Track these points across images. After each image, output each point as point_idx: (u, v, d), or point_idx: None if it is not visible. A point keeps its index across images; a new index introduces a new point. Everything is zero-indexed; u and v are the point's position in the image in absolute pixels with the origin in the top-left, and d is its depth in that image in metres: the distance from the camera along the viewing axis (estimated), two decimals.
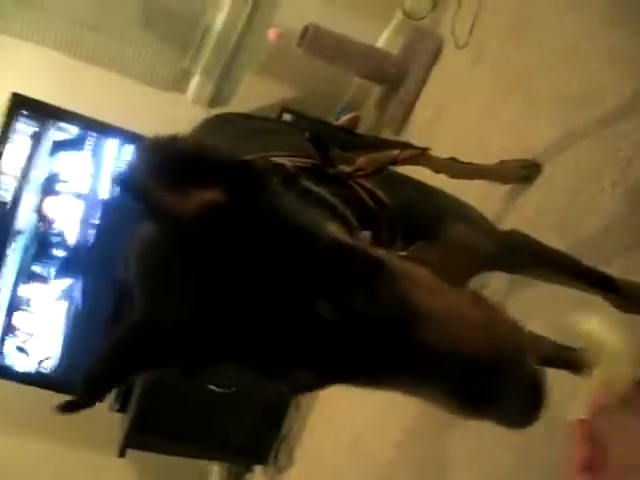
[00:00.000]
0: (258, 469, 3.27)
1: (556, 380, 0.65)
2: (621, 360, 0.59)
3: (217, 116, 1.61)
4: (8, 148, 2.90)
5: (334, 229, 0.68)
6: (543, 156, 1.86)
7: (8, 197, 2.92)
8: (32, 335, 3.07)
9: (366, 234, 0.79)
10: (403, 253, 0.86)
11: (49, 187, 2.99)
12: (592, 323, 0.60)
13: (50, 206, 3.00)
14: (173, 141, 0.62)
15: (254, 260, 0.59)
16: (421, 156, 1.59)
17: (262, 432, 3.07)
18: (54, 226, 3.00)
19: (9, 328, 3.01)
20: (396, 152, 1.01)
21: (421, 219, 0.97)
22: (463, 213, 1.08)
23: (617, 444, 0.52)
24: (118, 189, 0.59)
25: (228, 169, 0.62)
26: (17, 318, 3.02)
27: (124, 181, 0.59)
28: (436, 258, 0.94)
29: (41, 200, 2.97)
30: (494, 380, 0.57)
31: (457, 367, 0.57)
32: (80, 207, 3.03)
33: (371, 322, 0.59)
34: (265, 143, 1.10)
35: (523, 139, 1.98)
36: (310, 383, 0.63)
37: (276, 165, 0.87)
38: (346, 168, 0.94)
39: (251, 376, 0.63)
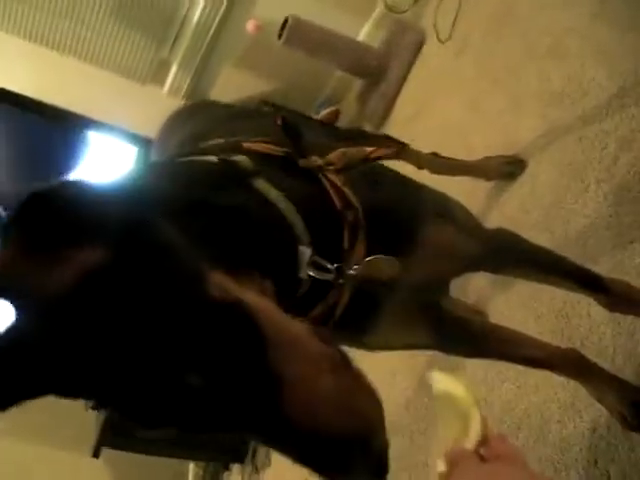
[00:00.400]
0: (235, 468, 3.25)
1: None
2: (470, 416, 0.62)
3: (199, 102, 1.59)
4: None
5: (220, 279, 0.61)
6: (527, 152, 1.82)
7: None
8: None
9: (306, 250, 0.75)
10: (357, 266, 0.81)
11: None
12: (444, 382, 0.63)
13: None
14: (54, 197, 0.56)
15: (130, 321, 0.55)
16: (400, 152, 1.55)
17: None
18: None
19: None
20: (369, 150, 0.95)
21: (400, 219, 0.92)
22: (447, 212, 1.03)
23: None
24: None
25: (117, 225, 0.57)
26: None
27: None
28: (416, 260, 0.90)
29: None
30: (347, 455, 0.57)
31: (311, 442, 0.56)
32: None
33: (236, 390, 0.56)
34: (239, 128, 1.06)
35: (507, 134, 1.95)
36: (170, 435, 0.61)
37: (230, 162, 0.81)
38: (318, 160, 0.89)
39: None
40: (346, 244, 0.82)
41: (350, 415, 0.58)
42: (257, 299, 0.62)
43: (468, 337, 1.12)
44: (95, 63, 3.26)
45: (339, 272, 0.79)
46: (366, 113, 2.90)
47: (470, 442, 0.61)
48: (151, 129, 1.69)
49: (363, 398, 0.60)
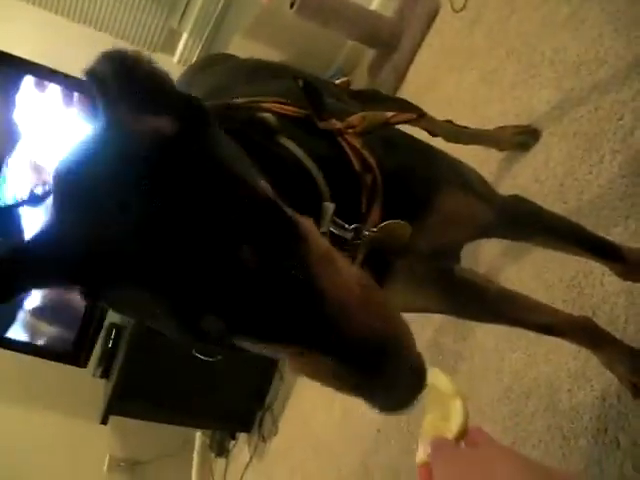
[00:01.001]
0: (242, 437, 3.27)
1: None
2: (452, 407, 0.64)
3: (217, 54, 1.58)
4: None
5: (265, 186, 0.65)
6: (542, 122, 1.81)
7: None
8: None
9: (330, 207, 0.76)
10: (373, 229, 0.81)
11: None
12: (429, 375, 0.64)
13: None
14: (138, 60, 0.61)
15: (187, 195, 0.58)
16: (421, 118, 1.54)
17: (246, 401, 3.07)
18: None
19: None
20: (390, 114, 0.95)
21: (415, 186, 0.92)
22: (462, 179, 1.02)
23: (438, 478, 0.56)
24: (86, 80, 0.59)
25: (182, 103, 0.63)
26: None
27: (94, 75, 0.60)
28: (430, 225, 0.90)
29: None
30: (384, 358, 0.59)
31: (352, 343, 0.59)
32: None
33: (286, 282, 0.59)
34: (258, 85, 1.06)
35: (521, 105, 1.93)
36: (217, 334, 0.61)
37: (257, 119, 0.83)
38: (337, 123, 0.89)
39: (162, 315, 0.60)
40: (363, 206, 0.82)
41: (384, 321, 0.61)
42: (302, 218, 0.65)
43: (481, 301, 1.12)
44: (105, 30, 3.24)
45: (356, 232, 0.79)
46: (378, 83, 2.88)
47: (451, 432, 0.62)
48: None
49: (397, 315, 0.64)
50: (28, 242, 0.61)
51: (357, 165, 0.84)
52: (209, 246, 0.57)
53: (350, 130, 0.88)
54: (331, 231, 0.76)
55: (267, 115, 0.84)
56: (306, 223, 0.65)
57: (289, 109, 0.89)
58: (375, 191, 0.84)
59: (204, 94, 1.14)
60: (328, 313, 0.59)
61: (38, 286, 0.63)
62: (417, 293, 1.00)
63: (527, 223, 1.14)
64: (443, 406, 0.65)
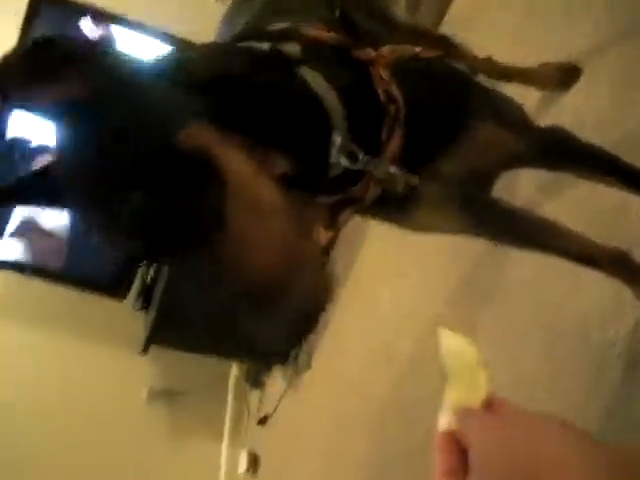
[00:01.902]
0: (277, 370, 3.35)
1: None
2: (477, 374, 0.63)
3: None
4: None
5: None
6: (583, 60, 1.78)
7: None
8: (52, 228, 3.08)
9: (337, 138, 0.80)
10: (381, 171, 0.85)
11: None
12: (454, 340, 0.63)
13: None
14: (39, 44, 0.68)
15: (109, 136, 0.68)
16: (450, 53, 1.54)
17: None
18: None
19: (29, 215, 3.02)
20: (419, 49, 0.96)
21: (444, 115, 0.94)
22: (496, 108, 1.04)
23: (476, 446, 0.55)
24: None
25: (81, 58, 0.70)
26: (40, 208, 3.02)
27: None
28: (457, 154, 0.92)
29: None
30: (271, 298, 0.66)
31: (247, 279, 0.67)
32: None
33: (178, 211, 0.68)
34: (297, 13, 1.08)
35: (563, 41, 1.90)
36: (142, 253, 0.75)
37: (277, 52, 0.86)
38: (371, 53, 0.91)
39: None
40: (384, 136, 0.86)
41: (285, 265, 0.67)
42: (235, 160, 0.70)
43: (515, 227, 1.14)
44: None
45: (368, 163, 0.83)
46: (417, 19, 2.83)
47: (476, 401, 0.61)
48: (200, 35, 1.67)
49: (304, 248, 0.70)
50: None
51: (382, 95, 0.87)
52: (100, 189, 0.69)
53: (381, 61, 0.91)
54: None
55: (290, 47, 0.87)
56: (235, 165, 0.70)
57: (326, 36, 0.91)
58: (397, 121, 0.87)
59: (247, 23, 1.16)
60: (225, 247, 0.67)
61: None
62: (447, 215, 1.03)
63: (564, 153, 1.15)
64: (467, 376, 0.63)
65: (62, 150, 0.72)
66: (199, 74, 0.76)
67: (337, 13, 0.96)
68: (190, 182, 0.67)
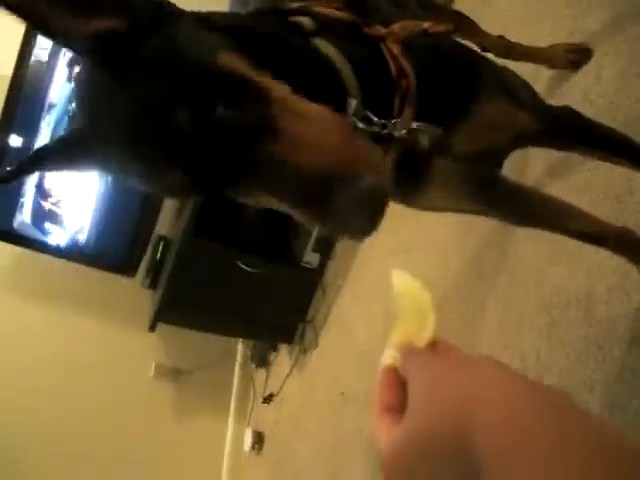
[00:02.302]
0: (283, 349, 3.38)
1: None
2: (427, 316, 0.64)
3: None
4: None
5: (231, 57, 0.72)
6: (594, 41, 1.78)
7: (43, 70, 2.90)
8: (62, 206, 3.10)
9: (353, 102, 0.81)
10: (403, 130, 0.85)
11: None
12: (406, 281, 0.66)
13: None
14: None
15: (132, 82, 0.67)
16: (465, 26, 1.54)
17: (289, 313, 3.14)
18: None
19: (41, 192, 3.04)
20: (428, 24, 0.97)
21: (454, 90, 0.95)
22: (507, 87, 1.04)
23: (414, 383, 0.55)
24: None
25: (130, 2, 0.69)
26: (49, 181, 3.05)
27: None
28: (468, 129, 0.93)
29: (72, 71, 2.94)
30: (333, 189, 0.65)
31: (302, 178, 0.66)
32: None
33: (227, 131, 0.68)
34: None
35: (574, 24, 1.90)
36: (185, 185, 0.72)
37: (291, 22, 0.88)
38: (381, 30, 0.93)
39: (141, 175, 0.72)
40: (395, 109, 0.87)
41: (343, 158, 0.67)
42: (273, 83, 0.72)
43: (523, 205, 1.15)
44: None
45: (383, 127, 0.83)
46: None
47: (422, 342, 0.63)
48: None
49: (360, 148, 0.69)
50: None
51: (394, 70, 0.88)
52: (147, 116, 0.67)
53: (391, 37, 0.92)
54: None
55: (303, 19, 0.89)
56: (275, 85, 0.71)
57: (338, 13, 0.93)
58: (408, 95, 0.88)
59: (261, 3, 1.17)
60: (276, 151, 0.67)
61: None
62: (456, 193, 1.04)
63: (575, 132, 1.15)
64: (416, 316, 0.65)
65: (96, 92, 0.70)
66: (226, 23, 0.78)
67: None
68: (231, 101, 0.68)
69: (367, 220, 0.67)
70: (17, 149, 2.88)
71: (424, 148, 0.87)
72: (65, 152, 0.75)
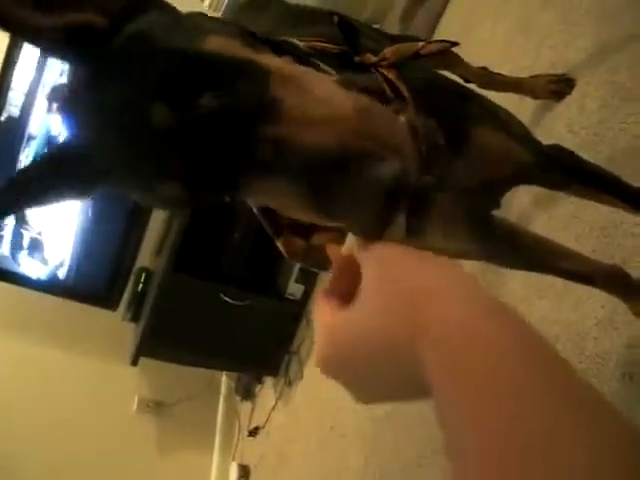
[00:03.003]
0: (268, 381, 3.34)
1: None
2: None
3: (246, 3, 1.58)
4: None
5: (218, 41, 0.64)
6: (577, 71, 1.78)
7: (19, 104, 2.88)
8: (42, 239, 3.07)
9: None
10: None
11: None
12: None
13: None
14: None
15: (128, 70, 0.60)
16: (449, 56, 1.53)
17: (273, 345, 3.12)
18: None
19: (21, 219, 3.01)
20: (421, 44, 0.95)
21: (450, 118, 0.92)
22: (498, 119, 1.03)
23: (369, 274, 0.54)
24: None
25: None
26: (29, 211, 3.01)
27: None
28: (463, 162, 0.91)
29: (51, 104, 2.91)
30: (345, 178, 0.59)
31: (312, 162, 0.59)
32: None
33: (217, 121, 0.59)
34: (299, 29, 1.07)
35: (557, 54, 1.90)
36: (181, 196, 0.63)
37: (288, 43, 0.85)
38: (372, 57, 0.90)
39: (137, 188, 0.65)
40: None
41: (360, 137, 0.60)
42: (271, 56, 0.65)
43: (516, 247, 1.12)
44: None
45: None
46: (411, 30, 2.84)
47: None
48: None
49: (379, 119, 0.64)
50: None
51: (390, 93, 0.84)
52: (125, 118, 0.59)
53: (384, 62, 0.89)
54: None
55: (296, 41, 0.86)
56: (277, 62, 0.65)
57: (327, 46, 0.90)
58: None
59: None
60: (278, 135, 0.59)
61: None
62: (452, 232, 1.01)
63: (567, 170, 1.14)
64: None
65: (73, 96, 0.63)
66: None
67: (335, 20, 0.94)
68: (220, 87, 0.60)
69: (382, 215, 0.63)
70: None
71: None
72: (53, 171, 0.66)
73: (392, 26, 3.12)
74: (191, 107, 0.58)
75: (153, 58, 0.60)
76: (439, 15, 2.74)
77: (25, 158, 2.92)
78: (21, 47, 2.81)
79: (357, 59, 0.88)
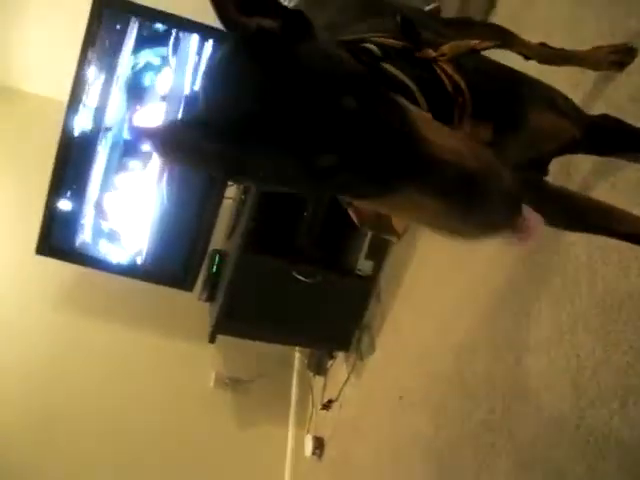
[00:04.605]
0: (340, 356, 3.42)
1: None
2: None
3: None
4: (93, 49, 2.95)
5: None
6: (638, 40, 1.79)
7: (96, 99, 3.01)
8: (121, 225, 3.20)
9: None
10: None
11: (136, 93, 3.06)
12: None
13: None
14: None
15: (298, 71, 0.74)
16: (506, 42, 1.58)
17: (345, 321, 3.19)
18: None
19: (100, 211, 3.16)
20: (475, 42, 1.04)
21: (503, 105, 1.01)
22: (548, 99, 1.10)
23: None
24: None
25: (286, 11, 0.78)
26: (107, 202, 3.16)
27: None
28: (516, 140, 0.99)
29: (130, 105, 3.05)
30: (480, 185, 0.72)
31: (451, 175, 0.72)
32: (163, 108, 3.09)
33: (383, 125, 0.74)
34: (366, 23, 1.16)
35: (617, 24, 1.91)
36: (331, 170, 0.75)
37: (363, 49, 0.95)
38: (432, 52, 1.00)
39: (289, 163, 0.75)
40: (456, 122, 0.94)
41: (482, 162, 0.75)
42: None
43: (570, 210, 1.19)
44: None
45: None
46: (469, 8, 2.86)
47: None
48: None
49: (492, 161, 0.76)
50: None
51: (449, 87, 0.95)
52: (317, 100, 0.73)
53: (443, 57, 0.99)
54: None
55: (371, 46, 0.97)
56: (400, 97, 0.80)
57: (391, 42, 1.00)
58: (465, 109, 0.95)
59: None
60: (425, 151, 0.74)
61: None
62: None
63: (616, 139, 1.19)
64: None
65: (241, 79, 0.76)
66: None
67: (398, 19, 1.04)
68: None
69: (508, 212, 0.75)
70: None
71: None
72: (201, 131, 0.77)
73: (451, 2, 3.13)
74: (371, 106, 0.74)
75: (336, 66, 0.77)
76: None
77: (102, 149, 3.06)
78: (95, 42, 2.94)
79: (419, 54, 0.97)
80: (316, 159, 0.74)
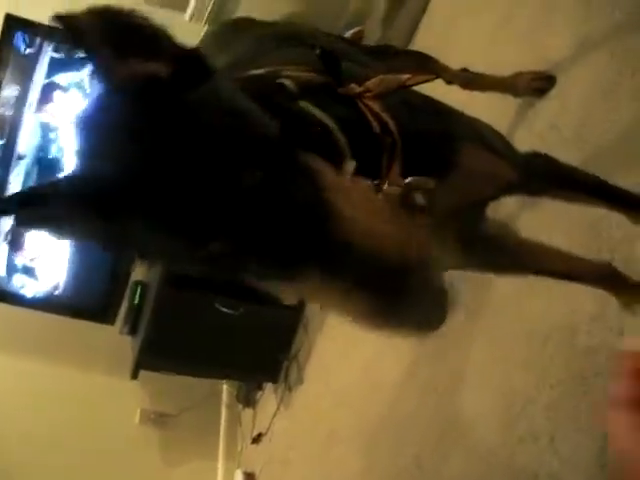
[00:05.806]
0: (268, 387, 3.36)
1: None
2: None
3: (241, 19, 1.58)
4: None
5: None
6: (558, 68, 1.80)
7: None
8: (37, 258, 3.08)
9: (351, 164, 0.79)
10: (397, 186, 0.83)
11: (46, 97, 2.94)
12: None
13: (51, 112, 2.96)
14: (126, 12, 0.65)
15: (189, 132, 0.62)
16: (430, 65, 1.55)
17: (271, 352, 3.13)
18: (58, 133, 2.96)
19: (14, 244, 3.02)
20: (406, 77, 0.96)
21: (435, 145, 0.94)
22: (481, 136, 1.04)
23: None
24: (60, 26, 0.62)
25: (178, 50, 0.66)
26: (21, 234, 3.03)
27: (65, 25, 0.61)
28: (451, 184, 0.92)
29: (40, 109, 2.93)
30: (404, 280, 0.63)
31: (368, 265, 0.62)
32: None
33: (289, 204, 0.64)
34: (278, 56, 1.08)
35: (537, 50, 1.92)
36: (225, 257, 0.66)
37: (277, 85, 0.86)
38: (356, 88, 0.92)
39: (174, 245, 0.65)
40: (383, 167, 0.85)
41: (407, 248, 0.65)
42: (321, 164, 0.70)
43: (503, 256, 1.14)
44: None
45: (377, 188, 0.81)
46: (391, 34, 2.85)
47: None
48: None
49: (419, 240, 0.68)
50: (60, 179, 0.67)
51: (376, 127, 0.86)
52: (210, 172, 0.62)
53: (368, 94, 0.90)
54: None
55: (286, 81, 0.87)
56: (314, 159, 0.70)
57: (310, 75, 0.92)
58: (394, 152, 0.86)
59: (231, 64, 1.16)
60: (338, 234, 0.63)
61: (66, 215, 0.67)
62: (441, 251, 1.02)
63: (548, 179, 1.15)
64: None
65: (122, 131, 0.64)
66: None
67: (318, 52, 0.96)
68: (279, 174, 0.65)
69: (436, 311, 0.67)
70: None
71: (421, 205, 0.85)
72: (75, 196, 0.65)
73: (374, 27, 3.13)
74: (272, 182, 0.64)
75: (230, 126, 0.64)
76: (420, 15, 2.75)
77: (14, 178, 2.93)
78: (6, 68, 2.82)
79: (341, 90, 0.90)
80: (204, 245, 0.64)
